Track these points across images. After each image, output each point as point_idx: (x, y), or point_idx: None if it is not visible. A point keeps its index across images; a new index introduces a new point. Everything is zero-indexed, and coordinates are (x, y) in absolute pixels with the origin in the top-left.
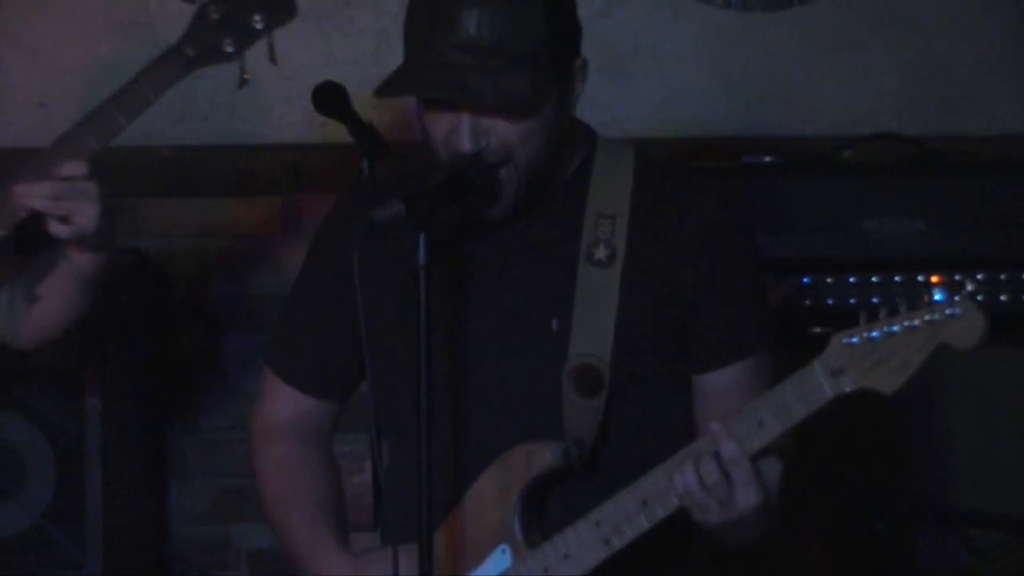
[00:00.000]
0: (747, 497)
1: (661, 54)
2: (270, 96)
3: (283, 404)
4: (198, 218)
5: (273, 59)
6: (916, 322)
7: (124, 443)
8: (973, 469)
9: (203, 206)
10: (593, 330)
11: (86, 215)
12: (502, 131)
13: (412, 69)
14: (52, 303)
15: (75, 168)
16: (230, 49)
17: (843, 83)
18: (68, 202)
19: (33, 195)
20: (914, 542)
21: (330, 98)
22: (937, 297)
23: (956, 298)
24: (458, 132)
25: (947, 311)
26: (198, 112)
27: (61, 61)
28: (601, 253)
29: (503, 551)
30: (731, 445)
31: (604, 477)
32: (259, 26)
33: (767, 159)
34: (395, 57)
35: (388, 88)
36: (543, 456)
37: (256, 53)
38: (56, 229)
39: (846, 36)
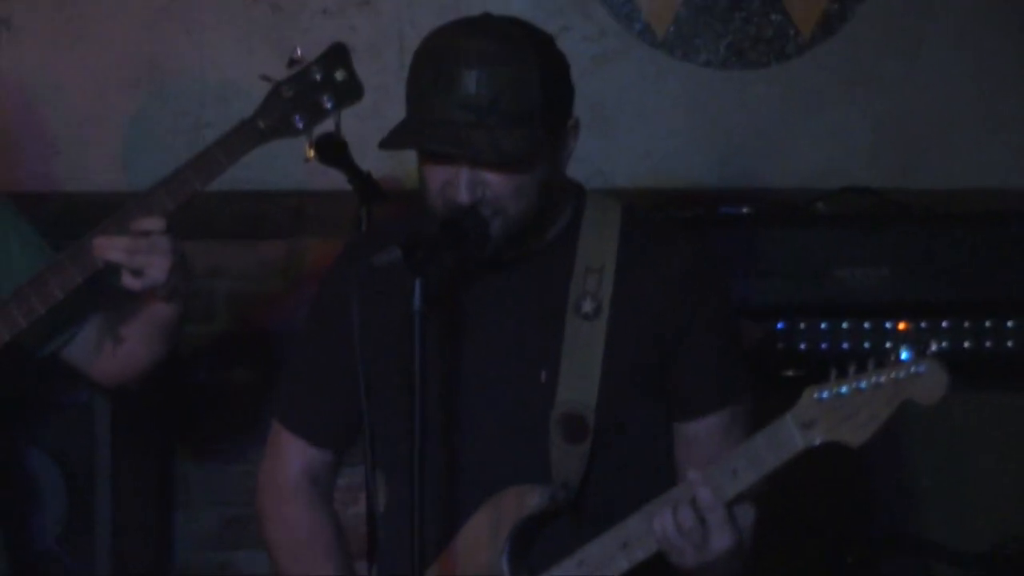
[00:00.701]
0: (720, 541)
1: (644, 110)
2: (275, 146)
3: (292, 457)
4: (207, 259)
5: (339, 134)
6: (883, 379)
7: (133, 474)
8: (934, 507)
9: (212, 248)
10: (579, 380)
11: (158, 269)
12: (496, 185)
13: (414, 124)
14: (133, 345)
15: (152, 224)
16: (300, 125)
17: (816, 138)
18: (143, 256)
19: (111, 247)
20: (880, 573)
21: (331, 149)
22: (904, 355)
23: (921, 357)
24: (455, 184)
25: (912, 369)
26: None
27: (77, 111)
28: (588, 306)
29: None
30: (706, 493)
31: (589, 519)
32: (328, 106)
33: (743, 210)
34: (393, 110)
35: (393, 141)
36: (532, 498)
37: None
38: (129, 282)
39: (819, 94)
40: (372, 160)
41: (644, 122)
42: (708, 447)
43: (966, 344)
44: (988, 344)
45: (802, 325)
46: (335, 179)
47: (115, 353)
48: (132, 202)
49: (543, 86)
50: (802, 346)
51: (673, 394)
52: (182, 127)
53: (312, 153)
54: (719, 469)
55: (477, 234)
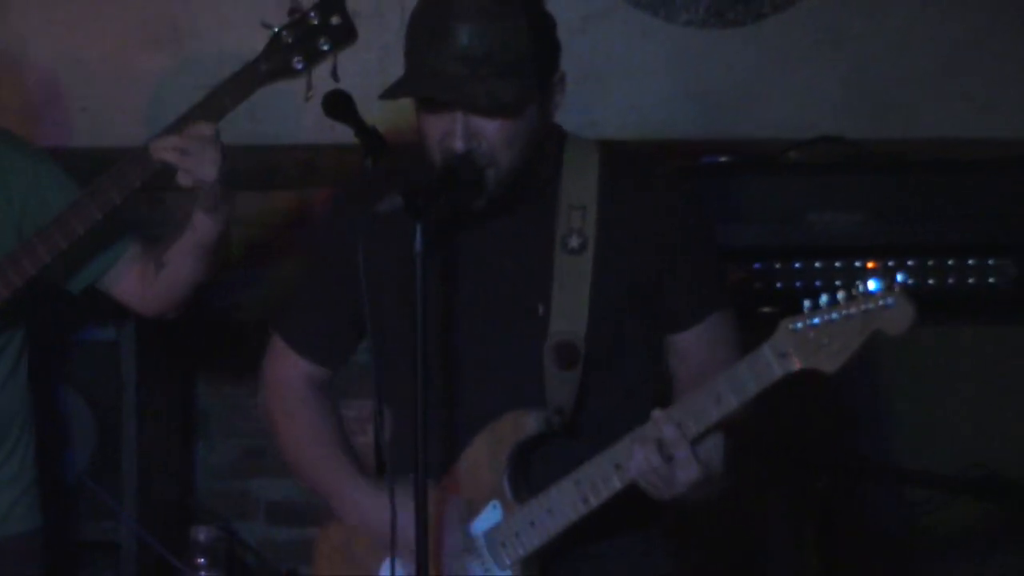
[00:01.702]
0: (687, 474)
1: (630, 67)
2: (286, 102)
3: (291, 365)
4: None
5: (335, 76)
6: (854, 311)
7: (156, 408)
8: (904, 432)
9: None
10: (569, 311)
11: (208, 166)
12: (490, 133)
13: (412, 77)
14: (176, 268)
15: (205, 128)
16: (299, 67)
17: (789, 92)
18: (194, 156)
19: (166, 147)
20: (854, 496)
21: (338, 104)
22: (873, 288)
23: (890, 289)
24: (452, 134)
25: (881, 301)
26: (233, 119)
27: (102, 71)
28: (574, 242)
29: (495, 506)
30: (671, 430)
31: (583, 441)
32: (325, 47)
33: (722, 159)
34: (396, 68)
35: (392, 92)
36: (528, 422)
37: None
38: (182, 178)
39: (792, 51)
40: (377, 114)
41: (630, 78)
42: (699, 355)
43: (931, 281)
44: (951, 281)
45: (778, 265)
46: (343, 133)
47: (158, 279)
48: (175, 121)
49: (532, 40)
50: (778, 285)
51: (663, 310)
52: (202, 85)
53: (312, 93)
54: (701, 395)
55: (473, 181)
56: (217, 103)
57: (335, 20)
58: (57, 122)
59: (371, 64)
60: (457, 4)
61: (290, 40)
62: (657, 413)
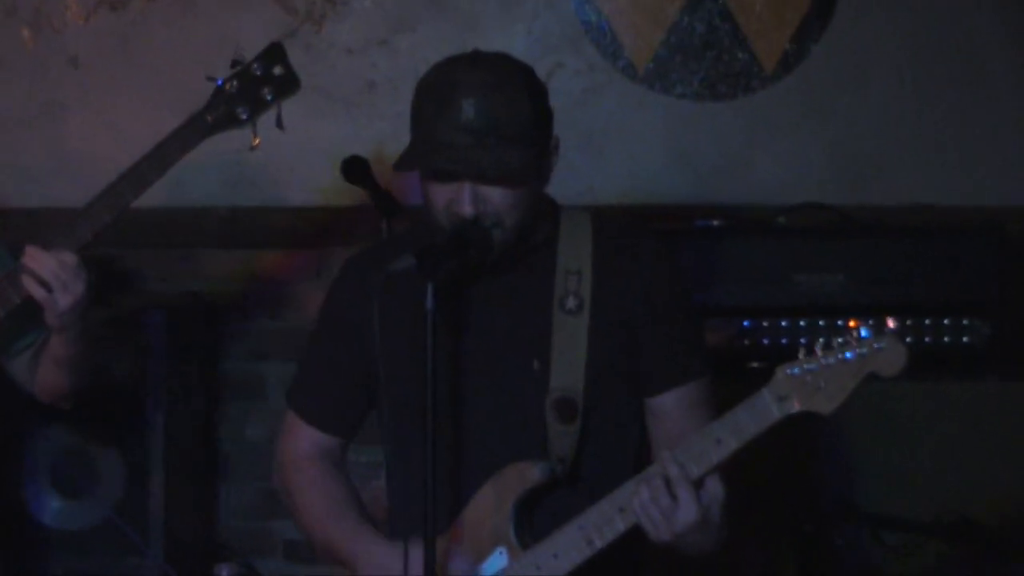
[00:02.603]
0: (687, 514)
1: (628, 136)
2: (306, 166)
3: (305, 439)
4: (245, 266)
5: (280, 125)
6: (848, 355)
7: (182, 451)
8: (881, 484)
9: (249, 256)
10: (568, 367)
11: (65, 301)
12: (496, 198)
13: (422, 148)
14: (43, 373)
15: (67, 258)
16: (244, 116)
17: (777, 160)
18: (56, 293)
19: (30, 280)
20: (833, 540)
21: (355, 169)
22: (864, 334)
23: (881, 333)
24: (459, 200)
25: (875, 345)
26: (248, 179)
27: (134, 134)
28: (571, 303)
29: (501, 552)
30: (674, 469)
31: (583, 488)
32: (268, 97)
33: (714, 223)
34: (408, 136)
35: (405, 164)
36: (533, 472)
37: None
38: (47, 315)
39: (780, 121)
40: (392, 177)
41: (627, 146)
42: (677, 419)
43: (908, 339)
44: (928, 339)
45: (765, 323)
46: (359, 195)
47: (37, 379)
48: (83, 209)
49: (531, 109)
50: (765, 341)
51: (643, 372)
52: (227, 149)
53: (258, 141)
54: (701, 439)
55: (480, 242)
56: (166, 154)
57: (277, 70)
58: (85, 181)
59: (386, 131)
60: (462, 78)
61: (234, 91)
62: (665, 454)
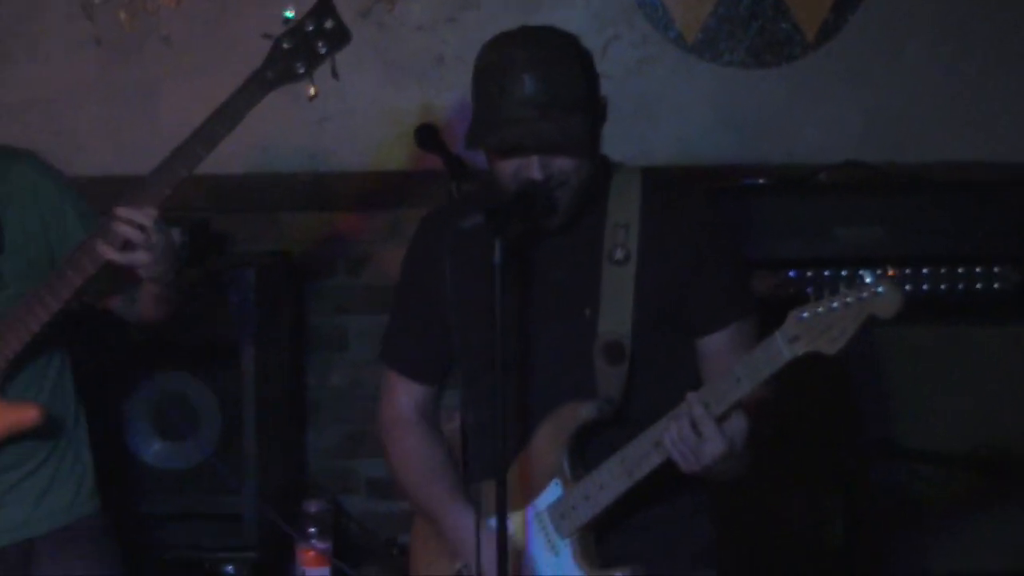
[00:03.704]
0: (714, 447)
1: (679, 102)
2: (381, 134)
3: (403, 395)
4: (327, 227)
5: (335, 75)
6: (850, 299)
7: (272, 398)
8: (917, 419)
9: (331, 218)
10: (616, 314)
11: (143, 257)
12: (562, 163)
13: (489, 125)
14: (144, 309)
15: (146, 215)
16: (301, 70)
17: (818, 122)
18: (137, 250)
19: (110, 243)
20: (871, 474)
21: (427, 136)
22: (867, 279)
23: (881, 278)
24: (528, 167)
25: (873, 289)
26: (328, 147)
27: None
28: (619, 254)
29: (556, 484)
30: (699, 409)
31: (630, 426)
32: (323, 50)
33: (760, 181)
34: None
35: (475, 141)
36: (583, 411)
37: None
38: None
39: (820, 86)
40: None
41: (679, 111)
42: (723, 357)
43: (943, 287)
44: (960, 287)
45: (809, 273)
46: (431, 161)
47: (136, 311)
48: (151, 174)
49: (584, 77)
50: (808, 290)
51: (693, 316)
52: (310, 119)
53: (314, 91)
54: (724, 379)
55: (545, 202)
56: (231, 109)
57: (328, 24)
58: None
59: (454, 102)
60: (518, 55)
61: (290, 46)
62: (690, 395)
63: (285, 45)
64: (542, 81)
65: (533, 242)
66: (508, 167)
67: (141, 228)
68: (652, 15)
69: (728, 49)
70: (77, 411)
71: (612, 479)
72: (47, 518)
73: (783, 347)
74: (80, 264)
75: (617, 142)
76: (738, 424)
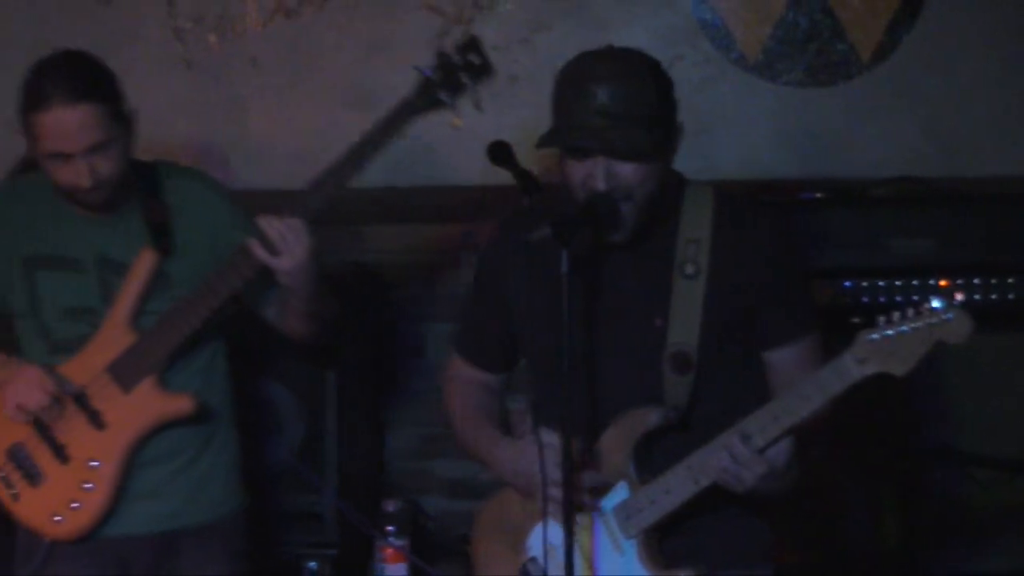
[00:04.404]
0: (754, 473)
1: (740, 119)
2: (457, 150)
3: (464, 370)
4: (405, 239)
5: (479, 107)
6: (920, 324)
7: (353, 401)
8: (971, 423)
9: (409, 230)
10: (685, 325)
11: (286, 262)
12: (626, 174)
13: (562, 129)
14: (288, 321)
15: (295, 224)
16: (446, 99)
17: (872, 139)
18: (281, 254)
19: (259, 247)
20: (927, 477)
21: (500, 152)
22: (935, 305)
23: (951, 306)
24: (594, 176)
25: (944, 316)
26: (407, 163)
27: (305, 125)
28: (690, 269)
29: (623, 486)
30: (736, 440)
31: (693, 432)
32: (467, 82)
33: (817, 195)
34: (547, 124)
35: (546, 142)
36: (651, 417)
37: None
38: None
39: (876, 104)
40: (533, 160)
41: (740, 128)
42: (788, 371)
43: (992, 296)
44: (1010, 296)
45: (864, 283)
46: (503, 176)
47: (284, 323)
48: (308, 185)
49: (656, 97)
50: (864, 299)
51: (760, 331)
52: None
53: (459, 121)
54: (792, 394)
55: (610, 214)
56: (380, 132)
57: (474, 59)
58: (277, 169)
59: (527, 119)
60: (597, 68)
61: (438, 78)
62: (732, 429)
63: (433, 76)
64: (614, 93)
65: (600, 253)
66: (577, 173)
67: (283, 235)
68: (715, 37)
69: (787, 69)
70: (230, 406)
71: (679, 484)
72: (196, 513)
73: (852, 367)
74: (236, 264)
75: (681, 157)
76: (779, 447)
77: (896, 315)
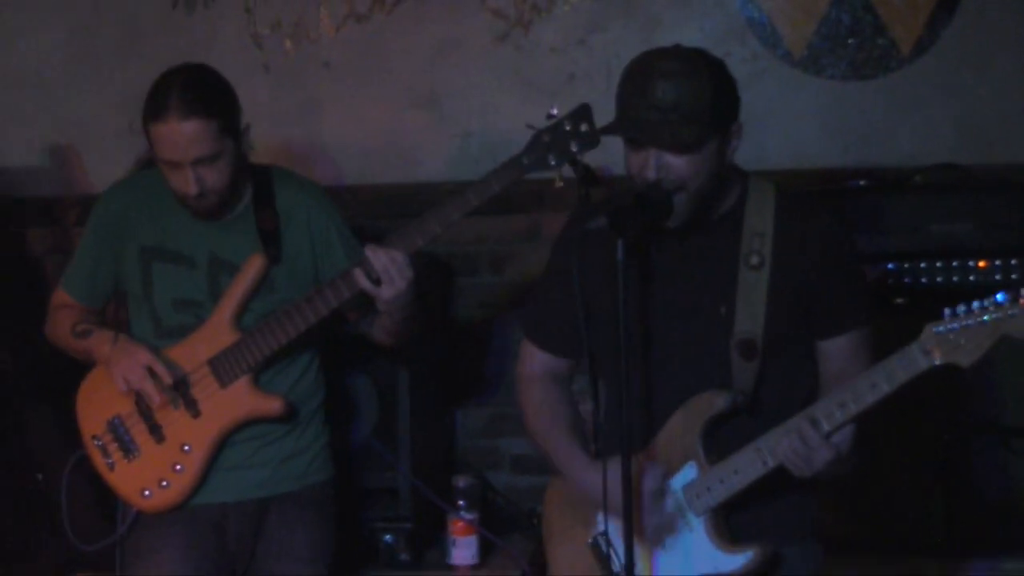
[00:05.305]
0: (821, 457)
1: (787, 112)
2: (519, 146)
3: (538, 363)
4: (473, 231)
5: (585, 176)
6: (986, 318)
7: (424, 383)
8: (1012, 398)
9: (476, 223)
10: (750, 314)
11: (389, 293)
12: (677, 166)
13: (619, 121)
14: (380, 334)
15: (398, 257)
16: (553, 163)
17: (914, 129)
18: (385, 286)
19: (363, 278)
20: (972, 451)
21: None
22: (1000, 299)
23: (1015, 301)
24: (647, 166)
25: (1009, 312)
26: (471, 158)
27: (376, 125)
28: (755, 260)
29: (691, 466)
30: (807, 425)
31: (757, 416)
32: (575, 150)
33: (862, 183)
34: (601, 117)
35: (605, 130)
36: (719, 400)
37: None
38: (368, 287)
39: (915, 97)
40: (591, 154)
41: (787, 121)
42: (840, 360)
43: None
44: None
45: (907, 265)
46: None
47: (375, 336)
48: (413, 223)
49: (713, 95)
50: (906, 280)
51: (817, 320)
52: (455, 134)
53: (561, 183)
54: (862, 382)
55: (661, 204)
56: (486, 186)
57: (583, 128)
58: (349, 166)
59: None
60: (658, 65)
61: (548, 139)
62: (801, 414)
63: (544, 138)
64: (669, 89)
65: (661, 242)
66: (634, 163)
67: (386, 267)
68: (762, 34)
69: (831, 64)
70: (320, 399)
71: (747, 465)
72: (283, 482)
73: (920, 357)
74: (338, 287)
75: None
76: (844, 432)
77: (962, 308)
